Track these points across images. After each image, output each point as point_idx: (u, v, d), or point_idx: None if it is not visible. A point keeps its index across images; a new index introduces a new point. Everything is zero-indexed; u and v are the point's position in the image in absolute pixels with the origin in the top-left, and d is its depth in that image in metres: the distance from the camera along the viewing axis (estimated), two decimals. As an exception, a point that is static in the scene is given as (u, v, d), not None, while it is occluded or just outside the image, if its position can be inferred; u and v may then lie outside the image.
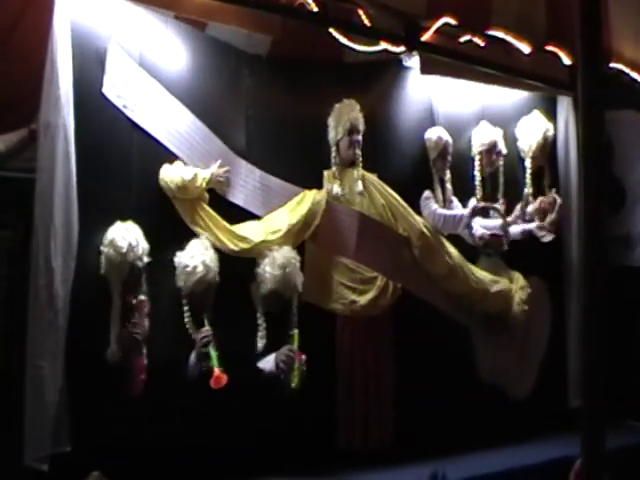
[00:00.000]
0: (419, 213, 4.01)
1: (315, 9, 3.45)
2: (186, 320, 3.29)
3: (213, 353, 3.21)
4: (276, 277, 3.40)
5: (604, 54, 3.78)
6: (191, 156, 3.46)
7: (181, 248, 3.33)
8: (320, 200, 3.76)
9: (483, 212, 4.13)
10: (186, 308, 3.30)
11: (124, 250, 3.07)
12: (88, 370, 3.00)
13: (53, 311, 2.92)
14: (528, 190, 4.40)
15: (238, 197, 3.60)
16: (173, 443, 3.14)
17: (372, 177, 3.95)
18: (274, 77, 3.81)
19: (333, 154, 3.88)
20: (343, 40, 3.65)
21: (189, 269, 3.25)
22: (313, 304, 3.70)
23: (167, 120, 3.39)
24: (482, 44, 3.95)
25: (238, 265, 3.47)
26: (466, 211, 4.00)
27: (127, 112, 3.27)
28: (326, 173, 3.88)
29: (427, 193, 4.05)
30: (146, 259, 3.16)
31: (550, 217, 4.30)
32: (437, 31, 3.73)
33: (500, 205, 4.24)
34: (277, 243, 3.51)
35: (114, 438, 2.99)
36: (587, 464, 1.76)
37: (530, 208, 4.32)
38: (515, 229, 4.23)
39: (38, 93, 2.98)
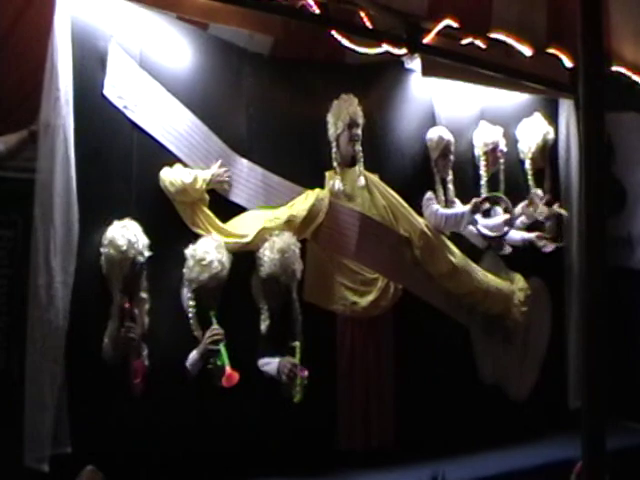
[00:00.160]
0: (420, 214, 4.01)
1: (317, 11, 3.46)
2: (190, 316, 3.29)
3: (224, 351, 3.20)
4: (274, 261, 3.40)
5: (605, 56, 3.79)
6: (191, 156, 3.46)
7: (182, 247, 3.33)
8: (323, 198, 3.76)
9: (485, 209, 4.10)
10: (192, 303, 3.30)
11: (124, 248, 3.07)
12: (88, 371, 3.00)
13: (53, 311, 2.91)
14: (534, 190, 4.40)
15: (240, 196, 3.60)
16: (173, 444, 3.14)
17: (373, 178, 3.95)
18: (276, 76, 3.81)
19: (334, 149, 3.88)
20: (345, 42, 3.65)
21: (205, 262, 3.24)
22: (314, 305, 3.71)
23: (167, 121, 3.39)
24: (483, 46, 3.96)
25: (244, 261, 3.47)
26: (467, 208, 3.99)
27: (127, 113, 3.27)
28: (328, 174, 3.88)
29: (429, 194, 4.05)
30: (147, 253, 3.16)
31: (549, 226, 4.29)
32: (439, 33, 3.75)
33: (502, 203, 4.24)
34: (277, 230, 3.51)
35: (114, 439, 2.99)
36: (588, 465, 1.76)
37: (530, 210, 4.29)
38: (515, 236, 4.23)
39: (38, 93, 2.98)
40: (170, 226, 3.37)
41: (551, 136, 4.51)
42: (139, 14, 3.33)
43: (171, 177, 3.34)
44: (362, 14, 3.63)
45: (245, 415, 3.30)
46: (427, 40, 3.74)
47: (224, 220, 3.50)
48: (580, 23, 1.83)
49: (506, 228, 4.12)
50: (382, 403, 3.80)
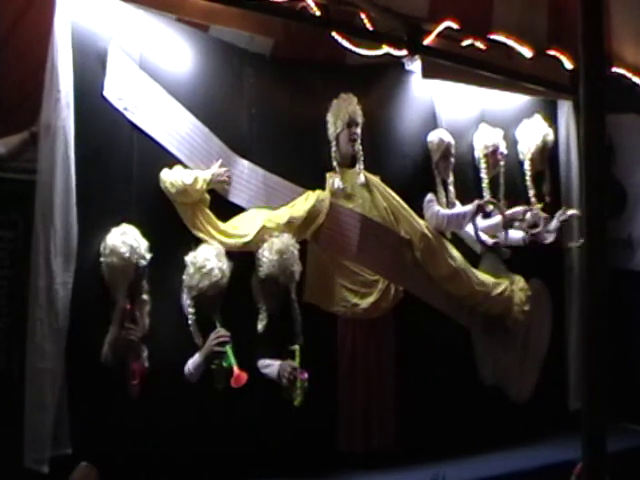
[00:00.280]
0: (421, 216, 4.01)
1: (317, 12, 3.46)
2: (190, 322, 3.29)
3: (231, 352, 3.20)
4: (272, 262, 3.40)
5: (605, 58, 3.79)
6: (192, 158, 3.46)
7: (183, 249, 3.33)
8: (324, 199, 3.77)
9: (486, 211, 4.10)
10: (192, 310, 3.30)
11: (127, 255, 3.07)
12: (88, 372, 3.00)
13: (53, 313, 2.91)
14: (530, 193, 4.40)
15: (241, 197, 3.60)
16: (173, 445, 3.14)
17: (374, 179, 3.95)
18: (277, 77, 3.81)
19: (333, 149, 3.88)
20: (345, 43, 3.65)
21: (205, 270, 3.24)
22: (315, 306, 3.71)
23: (168, 122, 3.39)
24: (484, 48, 3.96)
25: (244, 263, 3.47)
26: (469, 208, 3.98)
27: (128, 114, 3.27)
28: (328, 175, 3.88)
29: (430, 196, 4.05)
30: (148, 256, 3.16)
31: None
32: (439, 35, 3.75)
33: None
34: (276, 231, 3.51)
35: (114, 440, 2.98)
36: (588, 467, 1.76)
37: (529, 215, 4.27)
38: (516, 235, 4.22)
39: (39, 95, 2.98)
40: (171, 227, 3.37)
41: (551, 138, 4.51)
42: (139, 16, 3.33)
43: (171, 178, 3.34)
44: (362, 16, 3.63)
45: (245, 416, 3.29)
46: (427, 42, 3.74)
47: (224, 221, 3.50)
48: (581, 25, 1.83)
49: (503, 233, 4.12)
50: (383, 404, 3.80)
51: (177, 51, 3.49)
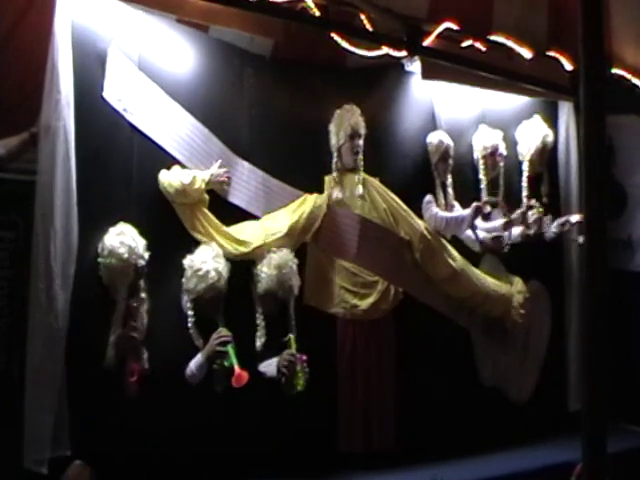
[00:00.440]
0: (421, 217, 4.01)
1: (317, 13, 3.46)
2: (190, 325, 3.29)
3: (232, 352, 3.19)
4: (271, 277, 3.41)
5: (606, 59, 3.79)
6: (192, 159, 3.46)
7: (182, 250, 3.33)
8: (321, 204, 3.77)
9: (484, 212, 4.11)
10: (191, 313, 3.30)
11: (126, 255, 3.07)
12: (88, 373, 3.00)
13: (53, 314, 2.91)
14: (524, 194, 4.40)
15: (240, 198, 3.61)
16: (174, 446, 3.14)
17: (374, 181, 3.95)
18: (277, 78, 3.81)
19: (335, 160, 3.89)
20: (345, 44, 3.66)
21: (201, 273, 3.24)
22: (314, 307, 3.71)
23: (167, 123, 3.39)
24: (483, 49, 3.96)
25: (244, 269, 3.47)
26: (467, 211, 3.99)
27: (127, 115, 3.27)
28: (327, 178, 3.88)
29: (428, 197, 4.05)
30: (146, 255, 3.16)
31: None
32: (439, 36, 3.75)
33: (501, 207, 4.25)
34: (277, 245, 3.52)
35: (114, 442, 2.98)
36: (588, 468, 1.76)
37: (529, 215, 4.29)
38: (515, 231, 4.23)
39: (39, 95, 2.98)
40: (171, 229, 3.37)
41: (550, 139, 4.51)
42: (139, 17, 3.33)
43: (170, 179, 3.34)
44: (362, 16, 3.63)
45: (246, 416, 3.29)
46: (427, 43, 3.74)
47: (224, 222, 3.49)
48: (581, 25, 1.83)
49: (505, 233, 4.12)
50: (383, 405, 3.80)
51: (177, 52, 3.49)
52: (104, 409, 3.00)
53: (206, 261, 3.27)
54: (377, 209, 3.90)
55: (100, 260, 3.10)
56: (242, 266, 3.48)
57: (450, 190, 4.17)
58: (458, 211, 4.11)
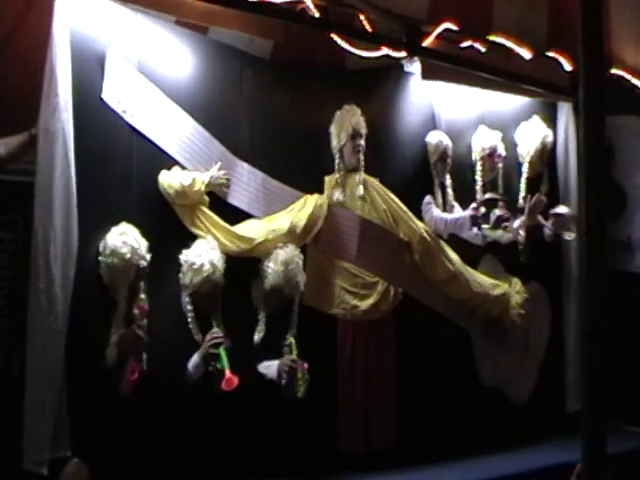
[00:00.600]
0: (420, 218, 4.01)
1: (317, 14, 3.46)
2: (189, 320, 3.29)
3: (224, 354, 3.19)
4: (277, 272, 3.42)
5: (605, 60, 3.79)
6: (191, 160, 3.46)
7: (182, 251, 3.33)
8: (322, 204, 3.77)
9: (484, 212, 4.11)
10: (190, 308, 3.30)
11: (128, 255, 3.07)
12: (88, 374, 2.99)
13: (53, 314, 2.90)
14: (522, 195, 4.40)
15: (240, 200, 3.60)
16: (174, 446, 3.14)
17: (374, 181, 3.96)
18: (276, 80, 3.81)
19: (337, 161, 3.89)
20: (344, 45, 3.66)
21: (196, 266, 3.25)
22: (314, 308, 3.71)
23: (167, 125, 3.39)
24: (483, 50, 3.96)
25: (243, 266, 3.47)
26: (467, 213, 4.00)
27: (126, 117, 3.27)
28: (327, 179, 3.89)
29: (428, 198, 4.06)
30: (148, 257, 3.16)
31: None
32: (438, 36, 3.75)
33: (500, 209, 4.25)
34: (278, 242, 3.52)
35: (114, 443, 2.98)
36: (588, 468, 1.76)
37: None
38: (514, 225, 4.23)
39: (37, 96, 2.97)
40: (171, 230, 3.37)
41: (550, 139, 4.51)
42: (137, 19, 3.33)
43: (169, 180, 3.34)
44: (362, 17, 3.63)
45: (246, 416, 3.29)
46: (427, 43, 3.75)
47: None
48: (580, 26, 1.83)
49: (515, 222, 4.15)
50: (383, 406, 3.80)
51: (176, 54, 3.49)
52: (104, 409, 2.99)
53: (201, 254, 3.28)
54: (377, 210, 3.90)
55: (101, 259, 3.10)
56: (241, 262, 3.47)
57: (449, 190, 4.17)
58: (458, 212, 4.12)
